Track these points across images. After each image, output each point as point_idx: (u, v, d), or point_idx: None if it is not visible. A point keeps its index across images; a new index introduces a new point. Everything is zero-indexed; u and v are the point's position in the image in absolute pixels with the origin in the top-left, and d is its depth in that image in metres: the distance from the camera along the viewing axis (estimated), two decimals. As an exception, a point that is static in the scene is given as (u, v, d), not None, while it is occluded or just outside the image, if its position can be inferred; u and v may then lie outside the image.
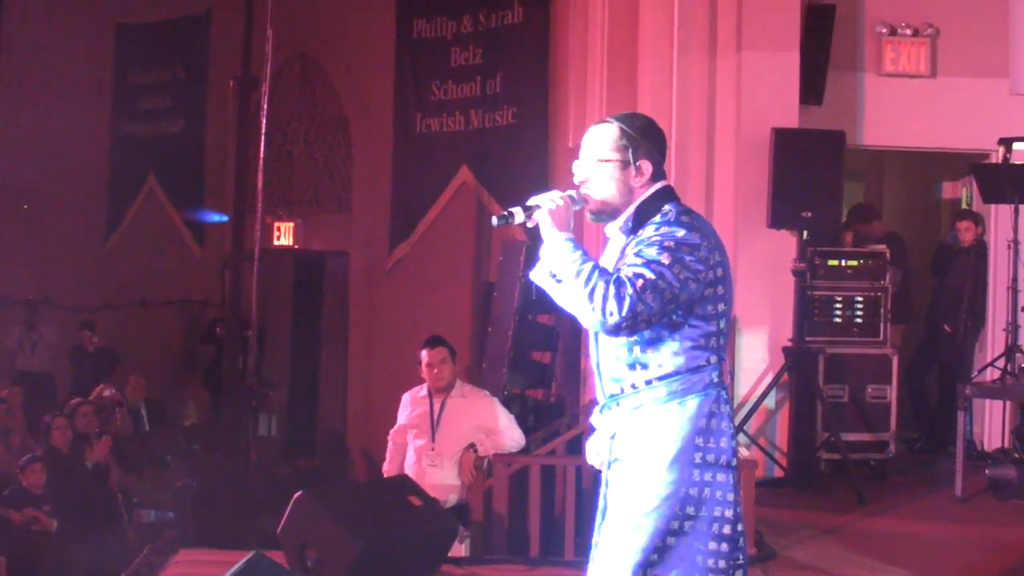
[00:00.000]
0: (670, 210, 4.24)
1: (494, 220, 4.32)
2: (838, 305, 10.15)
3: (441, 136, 15.02)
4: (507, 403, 9.56)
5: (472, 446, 8.55)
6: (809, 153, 9.73)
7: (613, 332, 4.14)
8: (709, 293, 4.20)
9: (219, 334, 14.04)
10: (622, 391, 4.28)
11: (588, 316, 4.09)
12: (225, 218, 15.89)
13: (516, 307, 11.28)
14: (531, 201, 4.29)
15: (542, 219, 4.24)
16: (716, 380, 4.25)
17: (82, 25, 18.76)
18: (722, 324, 4.27)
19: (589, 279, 4.07)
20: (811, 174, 9.65)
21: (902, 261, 10.85)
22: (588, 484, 8.46)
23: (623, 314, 4.02)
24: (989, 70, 10.64)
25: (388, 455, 8.99)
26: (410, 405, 8.84)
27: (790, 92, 10.07)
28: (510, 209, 4.29)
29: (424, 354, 8.73)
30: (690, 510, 4.19)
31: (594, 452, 4.53)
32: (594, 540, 4.40)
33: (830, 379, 9.96)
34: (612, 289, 4.03)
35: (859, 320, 10.17)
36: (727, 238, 9.36)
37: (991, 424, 10.58)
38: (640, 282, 4.03)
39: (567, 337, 11.85)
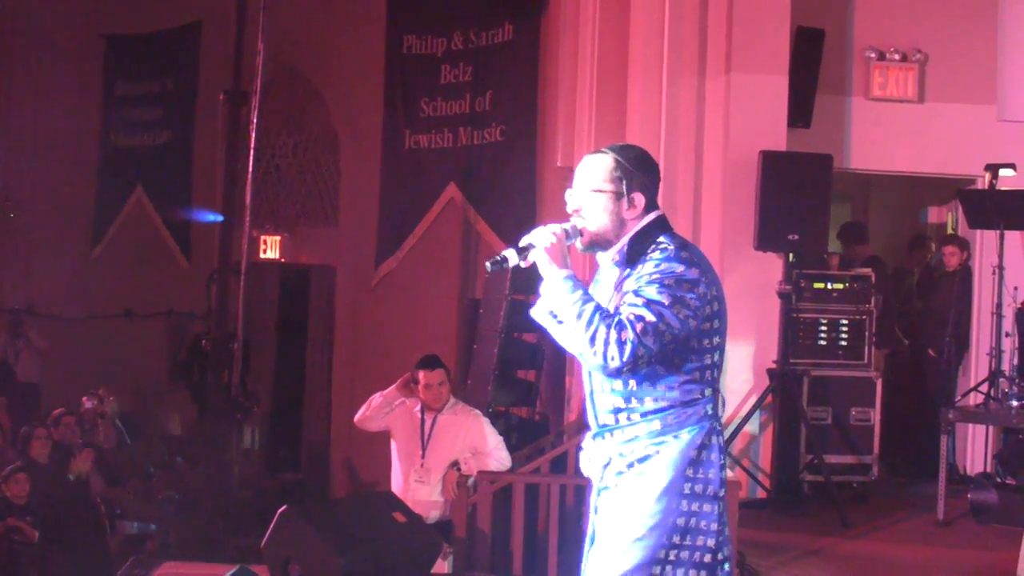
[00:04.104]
0: (667, 244, 4.24)
1: (488, 266, 4.32)
2: (823, 328, 10.18)
3: (430, 153, 15.02)
4: (492, 420, 9.56)
5: (456, 464, 8.57)
6: (796, 176, 9.76)
7: (614, 375, 4.16)
8: (706, 327, 4.22)
9: (204, 347, 14.06)
10: (617, 422, 4.30)
11: (589, 359, 4.11)
12: (220, 218, 15.91)
13: (502, 325, 11.27)
14: (524, 241, 4.29)
15: (539, 257, 4.24)
16: (710, 412, 4.28)
17: (71, 35, 18.77)
18: (716, 357, 4.30)
19: (591, 322, 4.08)
20: (798, 197, 9.68)
21: (882, 286, 10.86)
22: (572, 503, 8.48)
23: (624, 359, 4.04)
24: (977, 96, 10.69)
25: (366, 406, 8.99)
26: (405, 415, 8.83)
27: (778, 115, 10.09)
28: (503, 253, 4.29)
29: (422, 375, 8.72)
30: (676, 539, 4.22)
31: (587, 460, 4.54)
32: (582, 567, 4.42)
33: (814, 401, 9.98)
34: (613, 334, 4.05)
35: (844, 343, 10.20)
36: (714, 259, 9.36)
37: (973, 448, 10.62)
38: (640, 325, 4.05)
39: (552, 356, 11.84)
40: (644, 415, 4.25)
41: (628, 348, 4.03)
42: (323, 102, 17.06)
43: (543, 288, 4.26)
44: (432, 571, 7.43)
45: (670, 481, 4.22)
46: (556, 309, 4.20)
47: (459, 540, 8.26)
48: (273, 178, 17.27)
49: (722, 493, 4.30)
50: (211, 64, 16.86)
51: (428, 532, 7.64)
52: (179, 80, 18.52)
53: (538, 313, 4.30)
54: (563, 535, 8.09)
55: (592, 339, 4.07)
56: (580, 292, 4.17)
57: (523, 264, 4.30)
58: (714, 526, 4.26)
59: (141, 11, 18.46)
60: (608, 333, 4.05)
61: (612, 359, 4.05)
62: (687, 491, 4.23)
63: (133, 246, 18.64)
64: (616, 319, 4.08)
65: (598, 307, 4.14)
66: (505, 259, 4.29)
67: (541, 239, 4.27)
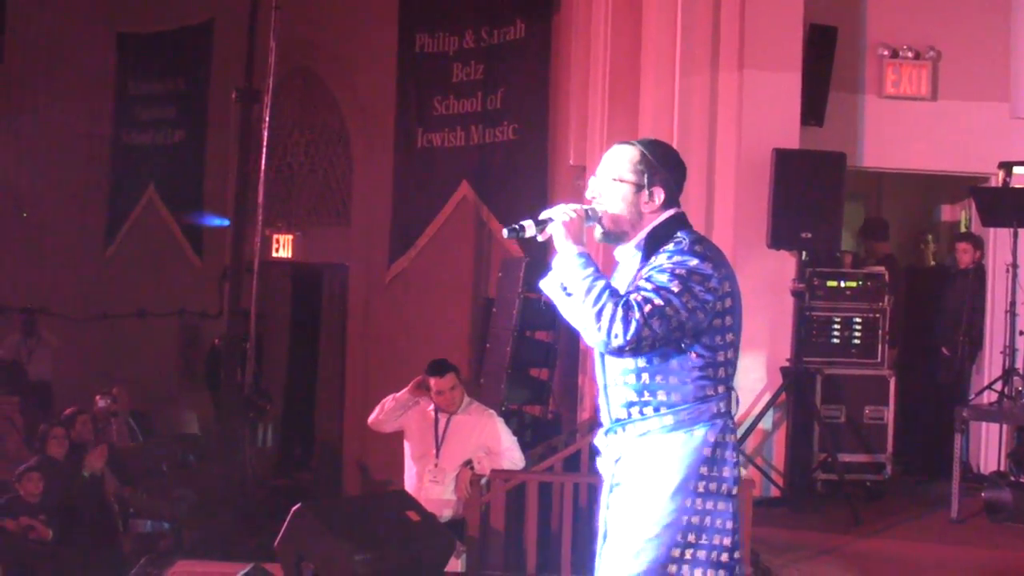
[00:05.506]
0: (683, 238, 4.26)
1: (505, 232, 4.34)
2: (836, 326, 10.16)
3: (442, 151, 15.04)
4: (505, 419, 9.57)
5: (469, 463, 8.57)
6: (809, 174, 9.73)
7: (616, 353, 4.17)
8: (718, 324, 4.23)
9: (217, 346, 14.06)
10: (629, 416, 4.30)
11: (593, 335, 4.12)
12: (225, 222, 15.88)
13: (515, 323, 11.29)
14: (544, 214, 4.31)
15: (556, 230, 4.26)
16: (723, 410, 4.29)
17: (84, 34, 18.79)
18: (730, 354, 4.31)
19: (599, 298, 4.10)
20: (811, 195, 9.65)
21: (894, 284, 10.82)
22: (585, 501, 8.48)
23: (627, 337, 4.05)
24: (990, 94, 10.65)
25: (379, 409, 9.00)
26: (419, 415, 8.83)
27: (791, 112, 10.07)
28: (521, 222, 4.31)
29: (433, 382, 8.71)
30: (691, 538, 4.22)
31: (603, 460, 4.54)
32: (596, 565, 4.41)
33: (827, 400, 9.96)
34: (620, 312, 4.06)
35: (857, 341, 10.18)
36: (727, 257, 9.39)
37: (987, 447, 10.58)
38: (648, 307, 4.06)
39: (565, 354, 11.86)
40: (657, 409, 4.25)
41: (633, 327, 4.05)
42: (335, 101, 17.06)
43: (555, 261, 4.27)
44: (446, 570, 7.43)
45: (683, 478, 4.22)
46: (567, 282, 4.20)
47: (472, 539, 8.27)
48: (285, 176, 17.27)
49: (736, 491, 4.30)
50: (223, 63, 16.86)
51: (442, 531, 7.64)
52: (191, 79, 18.53)
53: (548, 285, 4.30)
54: (576, 533, 8.08)
55: (599, 314, 4.09)
56: (592, 269, 4.18)
57: (540, 237, 4.32)
58: (729, 524, 4.26)
59: (153, 10, 18.48)
60: (615, 311, 4.07)
61: (616, 336, 4.06)
62: (701, 489, 4.23)
63: (145, 245, 18.66)
64: (624, 299, 4.10)
65: (608, 285, 4.16)
66: (523, 228, 4.31)
67: (560, 214, 4.28)
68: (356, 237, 16.70)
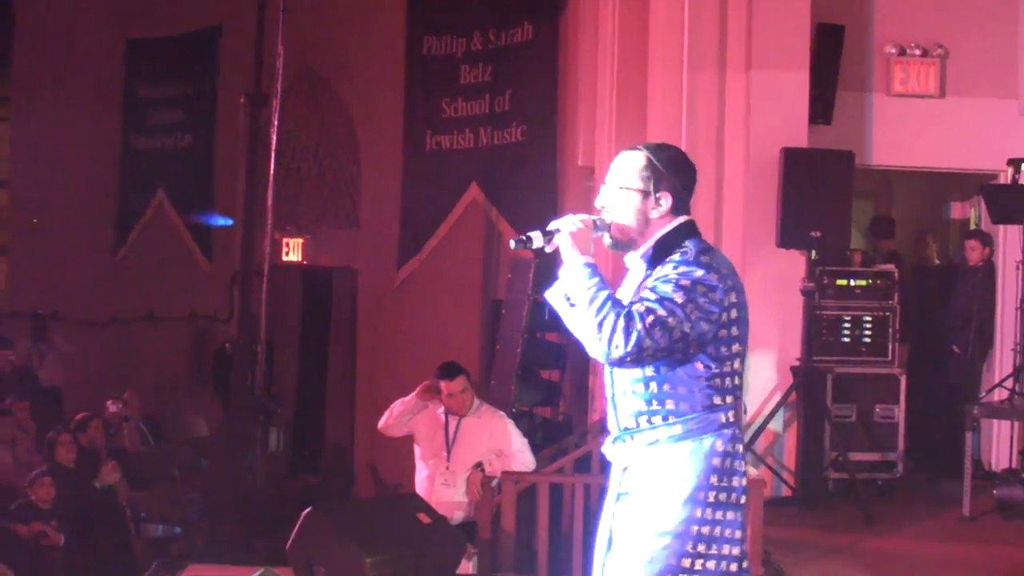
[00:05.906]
0: (690, 248, 4.23)
1: (512, 244, 4.33)
2: (846, 325, 10.16)
3: (451, 153, 15.04)
4: (515, 420, 9.56)
5: (480, 465, 8.57)
6: (818, 173, 9.73)
7: (618, 364, 4.15)
8: (724, 335, 4.21)
9: (227, 349, 14.07)
10: (638, 425, 4.28)
11: (594, 345, 4.10)
12: (230, 222, 15.89)
13: (525, 325, 11.28)
14: (551, 225, 4.29)
15: (563, 241, 4.24)
16: (731, 419, 4.26)
17: (93, 40, 18.82)
18: (736, 364, 4.28)
19: (601, 309, 4.08)
20: (820, 194, 9.65)
21: (900, 282, 10.80)
22: (596, 502, 8.46)
23: (628, 348, 4.03)
24: (998, 91, 10.64)
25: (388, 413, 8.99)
26: (429, 418, 8.83)
27: (799, 111, 10.06)
28: (528, 233, 4.29)
29: (443, 385, 8.69)
30: (701, 548, 4.19)
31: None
32: (596, 572, 4.40)
33: (838, 399, 9.96)
34: (621, 322, 4.04)
35: (867, 340, 10.17)
36: (735, 257, 9.37)
37: (999, 444, 10.57)
38: (650, 318, 4.04)
39: (575, 356, 11.83)
40: (666, 418, 4.23)
41: (634, 338, 4.02)
42: (343, 104, 17.07)
43: (562, 272, 4.25)
44: (457, 572, 7.43)
45: (694, 488, 4.20)
46: (571, 292, 4.19)
47: (484, 541, 8.25)
48: (294, 180, 17.27)
49: (743, 500, 4.29)
50: (231, 67, 16.90)
51: (453, 533, 7.63)
52: (200, 83, 18.56)
53: (553, 295, 4.29)
54: (588, 535, 8.06)
55: (600, 324, 4.07)
56: (597, 280, 4.16)
57: (547, 248, 4.30)
58: (738, 534, 4.25)
59: (162, 15, 18.50)
60: (616, 321, 4.05)
61: (616, 347, 4.04)
62: (712, 499, 4.20)
63: (155, 249, 18.69)
64: (626, 310, 4.08)
65: (611, 296, 4.13)
66: (530, 239, 4.29)
67: (568, 224, 4.27)
68: (365, 240, 16.71)
